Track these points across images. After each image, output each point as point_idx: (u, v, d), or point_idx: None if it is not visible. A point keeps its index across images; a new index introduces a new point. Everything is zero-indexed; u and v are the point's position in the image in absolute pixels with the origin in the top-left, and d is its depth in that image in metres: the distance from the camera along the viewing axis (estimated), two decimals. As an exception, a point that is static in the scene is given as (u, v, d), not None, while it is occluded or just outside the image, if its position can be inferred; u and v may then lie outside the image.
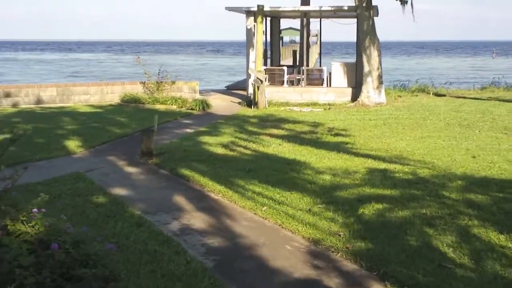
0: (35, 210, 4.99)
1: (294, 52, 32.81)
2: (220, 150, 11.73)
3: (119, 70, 59.34)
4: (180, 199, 8.17)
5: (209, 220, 7.17)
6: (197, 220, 7.19)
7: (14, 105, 20.99)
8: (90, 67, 67.25)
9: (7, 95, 21.07)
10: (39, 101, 21.53)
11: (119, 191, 8.63)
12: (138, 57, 22.75)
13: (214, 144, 12.44)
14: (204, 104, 19.51)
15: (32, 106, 21.07)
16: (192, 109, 19.51)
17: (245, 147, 12.09)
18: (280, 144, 12.42)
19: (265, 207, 7.50)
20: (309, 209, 7.34)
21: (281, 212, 7.25)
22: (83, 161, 10.95)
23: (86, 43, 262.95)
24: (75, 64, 75.52)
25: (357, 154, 11.01)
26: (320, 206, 7.51)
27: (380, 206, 7.40)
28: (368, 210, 7.26)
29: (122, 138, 13.78)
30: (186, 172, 9.71)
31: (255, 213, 7.38)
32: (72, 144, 12.51)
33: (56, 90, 21.89)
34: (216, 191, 8.48)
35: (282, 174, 9.43)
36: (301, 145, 12.27)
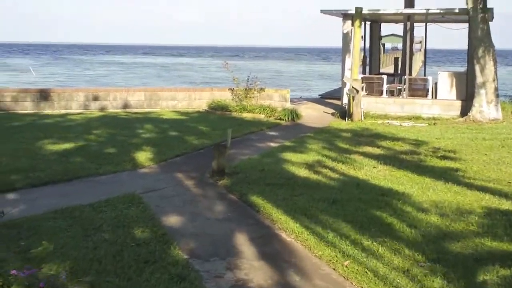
0: (13, 271, 3.55)
1: (396, 59, 30.47)
2: (302, 172, 10.07)
3: (217, 75, 58.85)
4: (242, 239, 6.60)
5: (273, 275, 5.52)
6: (258, 273, 5.57)
7: (102, 108, 20.39)
8: (192, 72, 67.54)
9: (96, 98, 20.51)
10: (126, 105, 20.81)
11: (174, 221, 7.20)
12: (226, 63, 21.50)
13: (297, 163, 10.80)
14: (294, 114, 17.91)
15: (119, 110, 20.37)
16: (280, 119, 17.98)
17: (332, 169, 10.36)
18: (374, 167, 10.58)
19: (348, 261, 5.75)
20: (407, 270, 5.51)
21: (369, 271, 5.47)
22: (148, 178, 9.64)
23: (181, 47, 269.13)
24: (183, 68, 76.37)
25: (470, 186, 8.96)
26: (422, 265, 5.66)
27: (507, 272, 5.44)
28: (491, 277, 5.33)
29: (199, 150, 12.44)
30: (257, 199, 8.13)
31: (334, 269, 5.66)
32: (143, 156, 11.29)
33: (144, 94, 21.11)
34: (289, 230, 6.82)
35: (374, 210, 7.63)
36: (400, 169, 10.36)
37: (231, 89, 21.34)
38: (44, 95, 20.06)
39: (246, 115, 18.82)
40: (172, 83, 47.10)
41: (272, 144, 13.37)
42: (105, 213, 7.27)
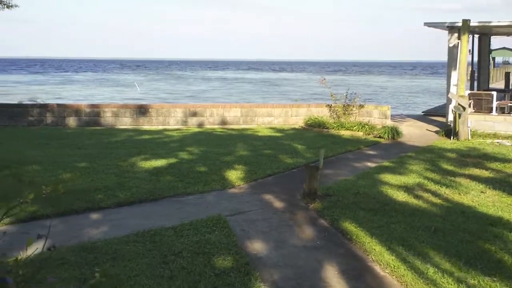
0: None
1: (507, 74, 28.68)
2: (401, 196, 9.34)
3: (318, 90, 58.35)
4: (331, 271, 6.03)
5: (362, 317, 4.94)
6: (346, 314, 4.99)
7: (200, 124, 20.48)
8: (293, 87, 67.45)
9: (193, 114, 20.62)
10: (223, 121, 20.78)
11: (258, 248, 6.74)
12: (324, 79, 20.94)
13: (396, 185, 10.07)
14: (394, 132, 17.04)
15: (216, 126, 20.37)
16: (380, 137, 17.19)
17: (434, 193, 9.54)
18: (482, 192, 9.66)
19: (450, 304, 5.06)
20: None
21: (475, 320, 4.76)
22: (235, 199, 9.27)
23: (285, 62, 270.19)
24: (285, 83, 76.61)
25: None
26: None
27: None
28: None
29: (292, 170, 11.96)
30: (350, 226, 7.53)
31: (433, 315, 4.99)
32: (233, 175, 10.96)
33: (240, 111, 20.98)
34: (383, 263, 6.18)
35: (481, 243, 6.82)
36: (511, 195, 9.39)
37: (328, 105, 20.80)
38: (143, 111, 20.40)
39: (344, 133, 18.19)
40: (271, 98, 47.09)
41: (370, 164, 12.67)
42: (186, 237, 6.93)
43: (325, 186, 9.90)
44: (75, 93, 50.81)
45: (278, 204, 8.98)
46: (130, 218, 7.81)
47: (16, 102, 22.71)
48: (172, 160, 12.27)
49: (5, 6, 15.84)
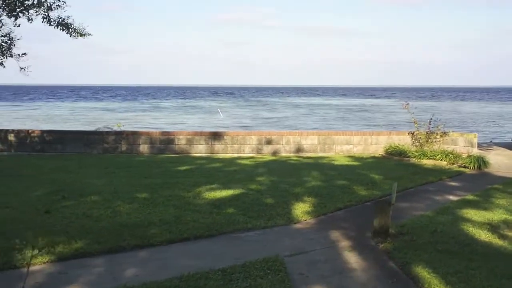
0: None
1: None
2: (484, 235, 8.32)
3: (403, 117, 56.69)
4: (395, 329, 5.20)
5: None
6: None
7: (274, 152, 19.95)
8: (379, 113, 65.93)
9: (269, 142, 20.13)
10: (299, 149, 20.15)
11: (314, 297, 6.00)
12: (407, 104, 19.89)
13: (479, 223, 9.04)
14: (481, 162, 15.78)
15: (291, 154, 19.76)
16: (464, 166, 15.98)
17: (523, 234, 8.45)
18: None
19: None
20: None
21: None
22: (299, 236, 8.54)
23: (372, 88, 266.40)
24: (369, 109, 75.21)
25: None
26: None
27: None
28: None
29: (365, 203, 11.11)
30: (422, 272, 6.66)
31: None
32: (301, 208, 10.25)
33: (317, 138, 20.28)
34: (458, 322, 5.29)
35: None
36: None
37: (411, 132, 19.76)
38: (217, 138, 20.09)
39: (426, 162, 17.08)
40: (354, 125, 45.99)
41: (451, 198, 11.61)
42: (235, 282, 6.28)
43: (399, 223, 9.02)
44: (160, 120, 51.71)
45: (345, 243, 8.18)
46: (179, 258, 7.25)
47: (93, 129, 23.05)
48: (238, 191, 11.71)
49: (78, 34, 16.00)
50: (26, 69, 16.45)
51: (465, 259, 7.18)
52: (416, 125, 19.31)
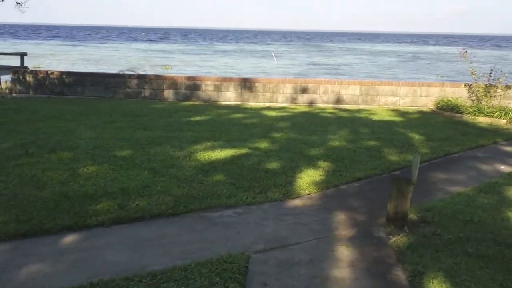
0: None
1: None
2: (537, 232, 6.17)
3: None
4: None
5: None
6: None
7: (311, 103, 17.90)
8: (442, 62, 62.03)
9: (304, 90, 18.05)
10: (338, 100, 18.00)
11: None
12: (465, 51, 17.27)
13: (533, 211, 6.87)
14: (547, 123, 13.29)
15: (329, 106, 17.67)
16: (527, 128, 13.56)
17: None
18: None
19: None
20: None
21: None
22: (289, 218, 6.59)
23: (435, 35, 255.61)
24: (428, 58, 71.19)
25: None
26: None
27: None
28: None
29: (393, 171, 9.03)
30: (443, 283, 4.66)
31: None
32: (308, 177, 8.28)
33: (359, 88, 18.04)
34: None
35: None
36: None
37: (467, 84, 17.27)
38: (248, 85, 18.13)
39: (481, 120, 14.70)
40: (420, 74, 42.88)
41: (503, 168, 9.38)
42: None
43: (424, 205, 6.96)
44: (210, 63, 49.87)
45: (346, 232, 6.21)
46: (113, 248, 5.44)
47: (115, 72, 21.44)
48: (242, 151, 9.82)
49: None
50: (22, 4, 14.80)
51: (505, 269, 5.12)
52: (474, 76, 16.77)
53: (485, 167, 9.54)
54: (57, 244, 5.49)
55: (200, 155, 9.32)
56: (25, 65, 24.46)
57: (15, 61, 25.63)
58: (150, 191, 7.15)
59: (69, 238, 5.63)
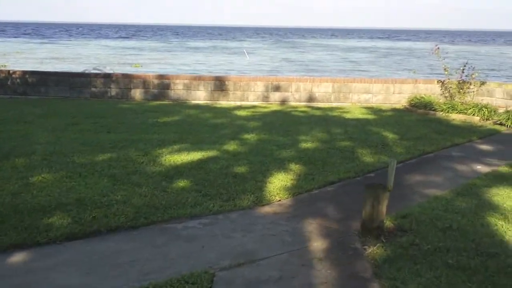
0: None
1: None
2: (520, 239, 5.84)
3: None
4: None
5: None
6: None
7: (283, 101, 17.48)
8: (413, 58, 62.20)
9: (276, 88, 17.63)
10: (311, 98, 17.62)
11: None
12: (437, 47, 17.03)
13: (514, 214, 6.55)
14: (521, 119, 13.09)
15: (301, 104, 17.29)
16: (501, 123, 13.43)
17: None
18: None
19: None
20: None
21: None
22: (258, 229, 6.13)
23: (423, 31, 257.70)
24: (399, 53, 71.36)
25: None
26: None
27: None
28: None
29: (367, 174, 8.67)
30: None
31: None
32: (279, 182, 7.88)
33: (332, 86, 17.68)
34: None
35: None
36: None
37: (440, 81, 17.06)
38: (218, 84, 17.64)
39: (455, 117, 14.47)
40: (384, 69, 42.79)
41: (480, 168, 9.08)
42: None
43: (401, 211, 6.58)
44: (181, 61, 49.17)
45: (319, 243, 5.79)
46: (64, 269, 4.91)
47: (79, 71, 20.78)
48: (209, 154, 9.36)
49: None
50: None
51: (488, 283, 4.75)
52: (446, 72, 16.55)
53: (461, 167, 9.23)
54: (0, 265, 4.98)
55: (165, 160, 8.84)
56: (-13, 64, 23.67)
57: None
58: (109, 201, 6.65)
59: (15, 258, 5.11)
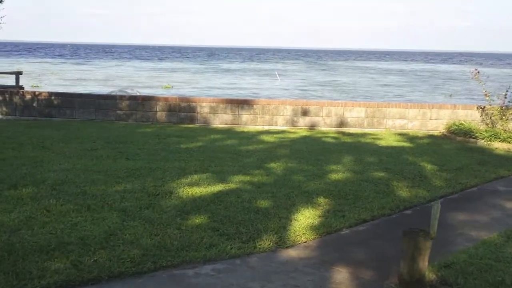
0: None
1: None
2: None
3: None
4: None
5: None
6: None
7: (312, 126, 16.76)
8: (453, 80, 60.90)
9: (305, 113, 16.93)
10: (342, 123, 16.86)
11: None
12: (477, 71, 16.13)
13: None
14: None
15: (332, 129, 16.55)
16: (549, 155, 12.38)
17: None
18: None
19: None
20: None
21: None
22: (278, 279, 5.37)
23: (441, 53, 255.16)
24: (436, 76, 70.10)
25: None
26: None
27: None
28: None
29: (403, 211, 7.87)
30: None
31: None
32: (305, 219, 7.12)
33: (365, 111, 16.91)
34: None
35: None
36: None
37: (480, 107, 16.12)
38: (246, 107, 17.03)
39: (498, 146, 13.54)
40: (420, 93, 41.76)
41: (530, 207, 8.18)
42: None
43: (444, 259, 5.76)
44: (213, 82, 48.89)
45: (347, 298, 5.01)
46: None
47: (106, 93, 20.41)
48: (232, 185, 8.66)
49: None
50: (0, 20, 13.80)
51: None
52: (487, 98, 15.64)
53: (509, 205, 8.34)
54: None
55: (183, 191, 8.16)
56: (20, 84, 23.51)
57: (11, 81, 24.59)
58: (115, 241, 5.98)
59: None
